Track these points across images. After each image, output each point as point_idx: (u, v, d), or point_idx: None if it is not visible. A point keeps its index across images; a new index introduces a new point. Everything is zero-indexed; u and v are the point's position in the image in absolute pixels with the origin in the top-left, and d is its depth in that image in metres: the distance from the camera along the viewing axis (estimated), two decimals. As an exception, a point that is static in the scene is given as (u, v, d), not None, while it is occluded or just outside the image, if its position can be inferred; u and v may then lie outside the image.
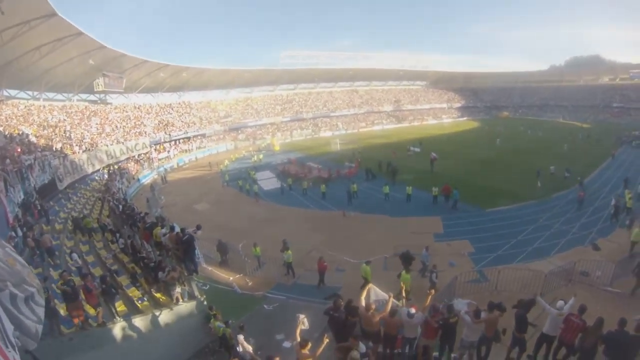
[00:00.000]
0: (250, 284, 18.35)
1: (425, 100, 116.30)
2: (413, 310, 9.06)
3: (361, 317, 9.34)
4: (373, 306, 9.31)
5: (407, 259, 16.81)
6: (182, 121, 72.15)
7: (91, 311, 11.46)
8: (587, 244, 20.90)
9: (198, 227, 15.28)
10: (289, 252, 19.15)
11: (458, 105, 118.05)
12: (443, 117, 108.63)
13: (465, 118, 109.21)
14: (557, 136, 63.08)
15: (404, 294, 11.91)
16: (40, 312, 5.51)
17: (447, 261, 19.32)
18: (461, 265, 18.60)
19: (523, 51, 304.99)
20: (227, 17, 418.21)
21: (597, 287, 15.37)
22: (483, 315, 9.14)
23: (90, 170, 40.79)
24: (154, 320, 12.07)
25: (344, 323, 9.44)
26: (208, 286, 16.75)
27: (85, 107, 57.13)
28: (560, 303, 9.44)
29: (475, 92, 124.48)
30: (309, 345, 7.55)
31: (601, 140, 46.89)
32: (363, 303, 9.50)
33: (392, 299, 9.57)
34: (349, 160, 48.84)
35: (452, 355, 9.79)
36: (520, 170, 39.77)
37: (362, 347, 8.63)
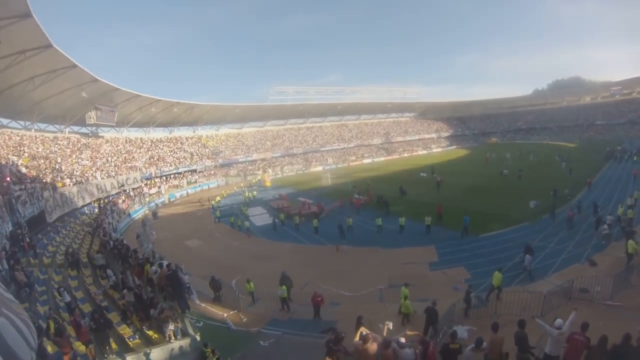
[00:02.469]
0: (244, 320, 17.73)
1: (414, 131, 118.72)
2: (403, 340, 8.99)
3: (356, 353, 9.05)
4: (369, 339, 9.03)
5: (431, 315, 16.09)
6: (173, 156, 72.11)
7: (81, 348, 10.92)
8: (583, 260, 20.96)
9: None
10: (284, 287, 18.69)
11: (446, 134, 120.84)
12: (432, 147, 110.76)
13: (454, 147, 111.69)
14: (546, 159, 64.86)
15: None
16: (34, 340, 5.16)
17: (450, 286, 19.16)
18: (458, 292, 18.28)
19: (507, 78, 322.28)
20: (217, 55, 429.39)
21: (597, 303, 15.19)
22: (485, 344, 9.07)
23: (80, 203, 40.01)
24: (146, 359, 11.49)
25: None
26: (202, 323, 16.10)
27: (77, 140, 56.91)
28: (559, 322, 9.46)
29: (463, 121, 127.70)
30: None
31: (573, 168, 47.94)
32: (357, 339, 9.23)
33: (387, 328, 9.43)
34: (359, 192, 48.71)
35: None
36: (510, 193, 40.76)
37: None
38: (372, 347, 8.78)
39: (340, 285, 21.37)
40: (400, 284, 17.61)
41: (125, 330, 12.95)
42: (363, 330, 9.40)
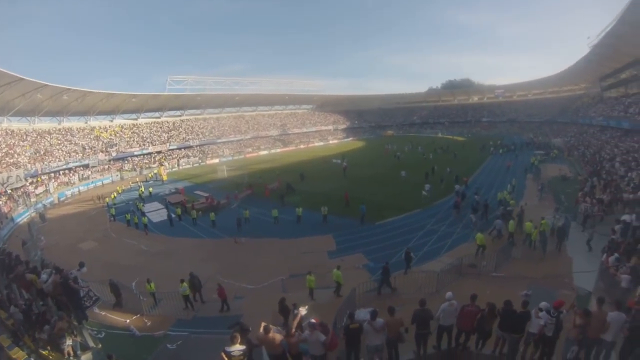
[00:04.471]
0: (149, 324, 17.17)
1: (311, 123, 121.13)
2: (313, 321, 9.40)
3: (262, 343, 9.25)
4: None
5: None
6: (63, 150, 65.19)
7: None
8: (470, 240, 23.72)
9: (81, 265, 14.07)
10: (185, 284, 18.44)
11: (343, 126, 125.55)
12: (329, 138, 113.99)
13: (350, 138, 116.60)
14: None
15: None
16: None
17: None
18: (358, 276, 19.44)
19: (404, 75, 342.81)
20: (114, 38, 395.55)
21: (486, 275, 17.92)
22: (380, 320, 9.74)
23: (-50, 209, 34.82)
24: (45, 381, 10.86)
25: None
26: (104, 333, 15.38)
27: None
28: (449, 294, 10.74)
29: (360, 114, 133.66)
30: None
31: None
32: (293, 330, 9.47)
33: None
34: (270, 180, 49.54)
35: None
36: (406, 184, 43.95)
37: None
38: (277, 336, 9.11)
39: (242, 279, 21.59)
40: (301, 274, 18.50)
41: (18, 354, 11.95)
42: (263, 324, 9.77)
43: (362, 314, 11.19)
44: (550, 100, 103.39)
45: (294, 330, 9.33)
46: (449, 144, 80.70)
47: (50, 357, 11.75)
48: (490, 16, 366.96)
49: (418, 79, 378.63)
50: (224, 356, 8.16)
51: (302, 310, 9.86)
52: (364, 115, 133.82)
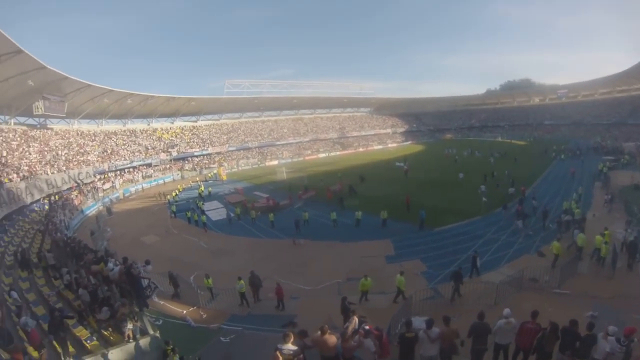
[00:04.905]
0: (204, 316, 17.54)
1: (370, 126, 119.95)
2: (367, 327, 9.12)
3: (316, 344, 9.05)
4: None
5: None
6: (127, 150, 69.26)
7: (34, 354, 10.44)
8: (532, 252, 22.32)
9: (147, 262, 14.59)
10: (242, 282, 18.63)
11: (402, 130, 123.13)
12: (388, 142, 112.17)
13: (409, 142, 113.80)
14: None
15: None
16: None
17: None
18: (415, 283, 18.72)
19: (461, 77, 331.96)
20: (170, 46, 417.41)
21: (547, 291, 16.34)
22: (436, 330, 9.19)
23: (29, 200, 37.48)
24: (105, 361, 11.15)
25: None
26: (161, 321, 15.82)
27: (24, 132, 53.60)
28: (506, 311, 9.81)
29: (418, 117, 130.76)
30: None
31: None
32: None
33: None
34: (332, 183, 49.59)
35: None
36: (465, 188, 42.18)
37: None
38: (332, 338, 8.88)
39: (298, 279, 21.52)
40: (358, 277, 18.02)
41: (81, 332, 12.48)
42: (325, 326, 9.49)
43: (418, 322, 10.77)
44: (619, 99, 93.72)
45: (349, 334, 9.00)
46: (507, 148, 76.66)
47: (111, 338, 12.12)
48: (550, 9, 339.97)
49: (475, 80, 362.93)
50: (277, 354, 7.96)
51: (357, 318, 9.65)
52: (422, 119, 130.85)
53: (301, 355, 8.53)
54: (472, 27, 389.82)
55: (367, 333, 8.91)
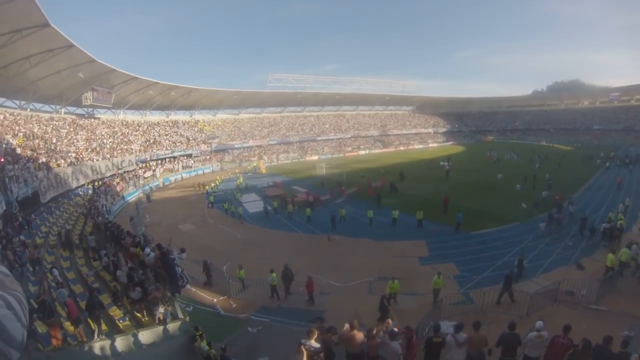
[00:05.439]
0: (234, 306, 18.00)
1: (411, 125, 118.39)
2: (396, 329, 9.13)
3: (343, 339, 9.20)
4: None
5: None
6: (169, 140, 71.79)
7: (70, 329, 11.07)
8: (571, 263, 21.21)
9: (182, 250, 15.07)
10: (274, 274, 18.89)
11: (443, 130, 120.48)
12: (429, 141, 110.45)
13: (450, 143, 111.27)
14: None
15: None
16: (25, 317, 5.27)
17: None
18: (447, 287, 18.26)
19: (506, 77, 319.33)
20: (216, 40, 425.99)
21: (583, 306, 15.50)
22: (464, 335, 9.05)
23: (74, 184, 39.91)
24: (136, 341, 11.61)
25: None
26: (192, 307, 16.37)
27: (73, 121, 56.70)
28: (539, 323, 9.50)
29: (460, 117, 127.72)
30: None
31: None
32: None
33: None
34: (374, 179, 49.81)
35: None
36: (504, 192, 40.98)
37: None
38: (359, 335, 8.94)
39: (330, 275, 21.57)
40: (389, 277, 17.88)
41: (115, 312, 13.11)
42: (355, 322, 9.57)
43: (446, 326, 10.69)
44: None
45: (375, 332, 9.03)
46: (551, 153, 73.27)
47: (143, 320, 12.61)
48: (604, 5, 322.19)
49: (520, 81, 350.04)
50: (302, 348, 8.11)
51: (390, 322, 9.72)
52: (464, 119, 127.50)
53: (321, 354, 8.66)
54: (520, 24, 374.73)
55: (395, 335, 8.90)
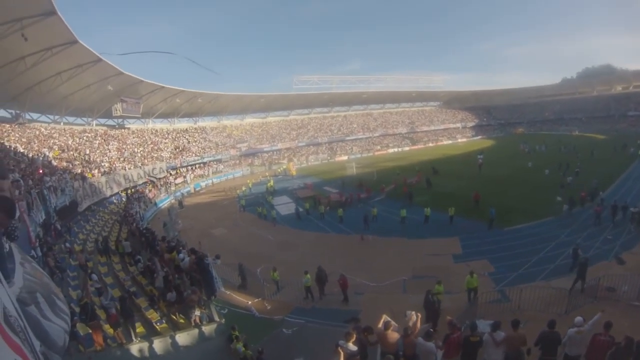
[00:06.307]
0: (269, 307, 18.21)
1: (439, 120, 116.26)
2: (432, 330, 9.17)
3: (379, 339, 9.23)
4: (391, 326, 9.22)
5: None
6: (198, 146, 73.19)
7: (110, 331, 11.46)
8: (611, 258, 20.38)
9: (217, 257, 15.44)
10: (308, 276, 19.02)
11: (472, 124, 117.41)
12: (458, 137, 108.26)
13: (479, 137, 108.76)
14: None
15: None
16: (67, 321, 5.47)
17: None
18: (481, 285, 17.93)
19: (534, 66, 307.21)
20: (237, 45, 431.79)
21: (624, 302, 14.84)
22: (502, 333, 8.95)
23: (108, 193, 41.42)
24: (173, 343, 11.96)
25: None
26: (227, 310, 16.66)
27: (104, 132, 58.57)
28: (578, 319, 9.29)
29: (488, 110, 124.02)
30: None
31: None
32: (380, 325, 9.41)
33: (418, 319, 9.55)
34: (410, 175, 49.86)
35: None
36: (537, 186, 39.72)
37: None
38: (394, 335, 8.93)
39: (363, 275, 21.59)
40: (424, 276, 17.72)
41: (152, 315, 13.48)
42: (385, 317, 9.57)
43: (482, 325, 10.68)
44: None
45: (411, 331, 9.07)
46: (582, 142, 70.69)
47: (180, 323, 12.93)
48: None
49: (548, 70, 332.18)
50: (340, 350, 8.11)
51: (414, 316, 9.73)
52: (491, 112, 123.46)
53: (358, 357, 8.69)
54: (545, 9, 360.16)
55: (430, 336, 8.83)
